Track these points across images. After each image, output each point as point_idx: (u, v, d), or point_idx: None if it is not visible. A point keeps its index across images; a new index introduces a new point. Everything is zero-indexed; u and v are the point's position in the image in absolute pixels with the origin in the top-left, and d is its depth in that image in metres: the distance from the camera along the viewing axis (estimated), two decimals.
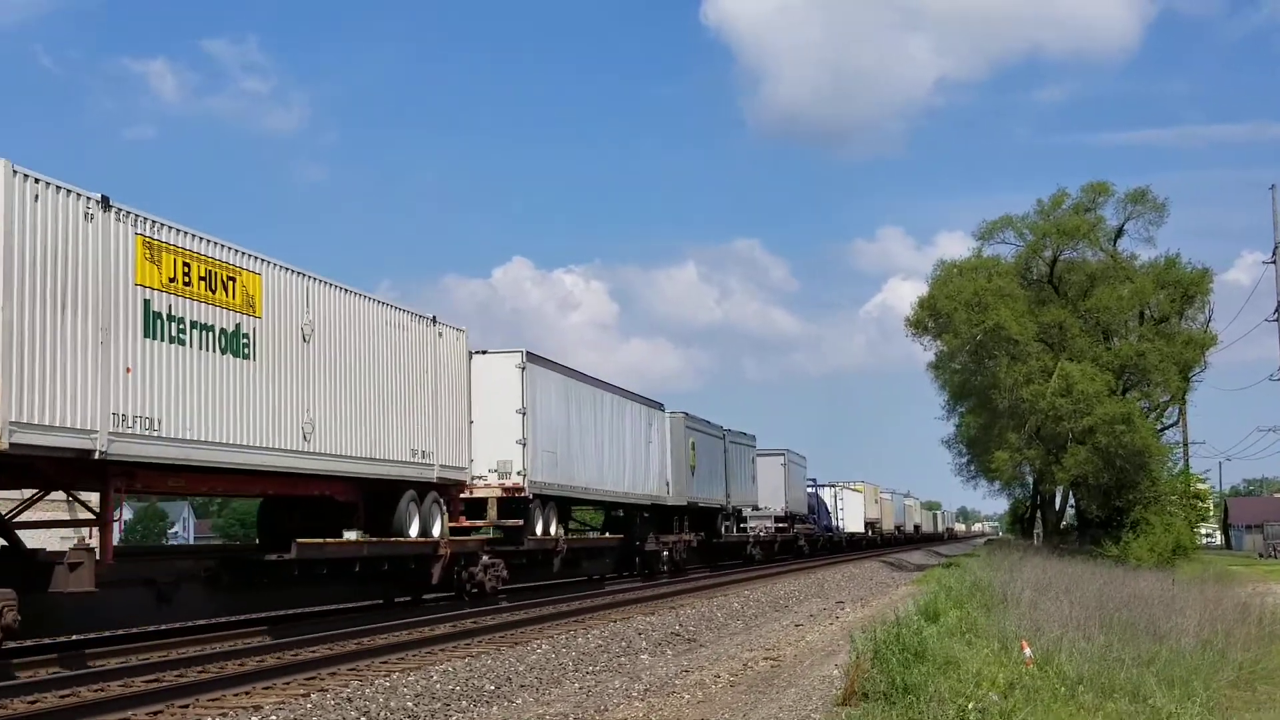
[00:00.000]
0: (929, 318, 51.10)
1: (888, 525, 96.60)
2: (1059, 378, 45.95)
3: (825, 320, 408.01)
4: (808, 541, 63.14)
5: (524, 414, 27.12)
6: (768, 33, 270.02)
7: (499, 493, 26.81)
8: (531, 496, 27.26)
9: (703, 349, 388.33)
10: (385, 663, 16.06)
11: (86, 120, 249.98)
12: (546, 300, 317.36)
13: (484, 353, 27.06)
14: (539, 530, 28.03)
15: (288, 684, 13.79)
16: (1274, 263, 53.12)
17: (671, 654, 18.64)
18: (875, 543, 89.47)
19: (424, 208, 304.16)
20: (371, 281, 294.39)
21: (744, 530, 50.93)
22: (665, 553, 39.04)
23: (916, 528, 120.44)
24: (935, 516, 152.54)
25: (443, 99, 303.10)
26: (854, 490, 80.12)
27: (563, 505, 31.80)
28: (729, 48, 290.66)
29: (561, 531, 30.30)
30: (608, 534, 36.54)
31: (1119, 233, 51.85)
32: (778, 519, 56.14)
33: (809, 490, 65.57)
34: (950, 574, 36.60)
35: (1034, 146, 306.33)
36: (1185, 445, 63.47)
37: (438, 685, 14.09)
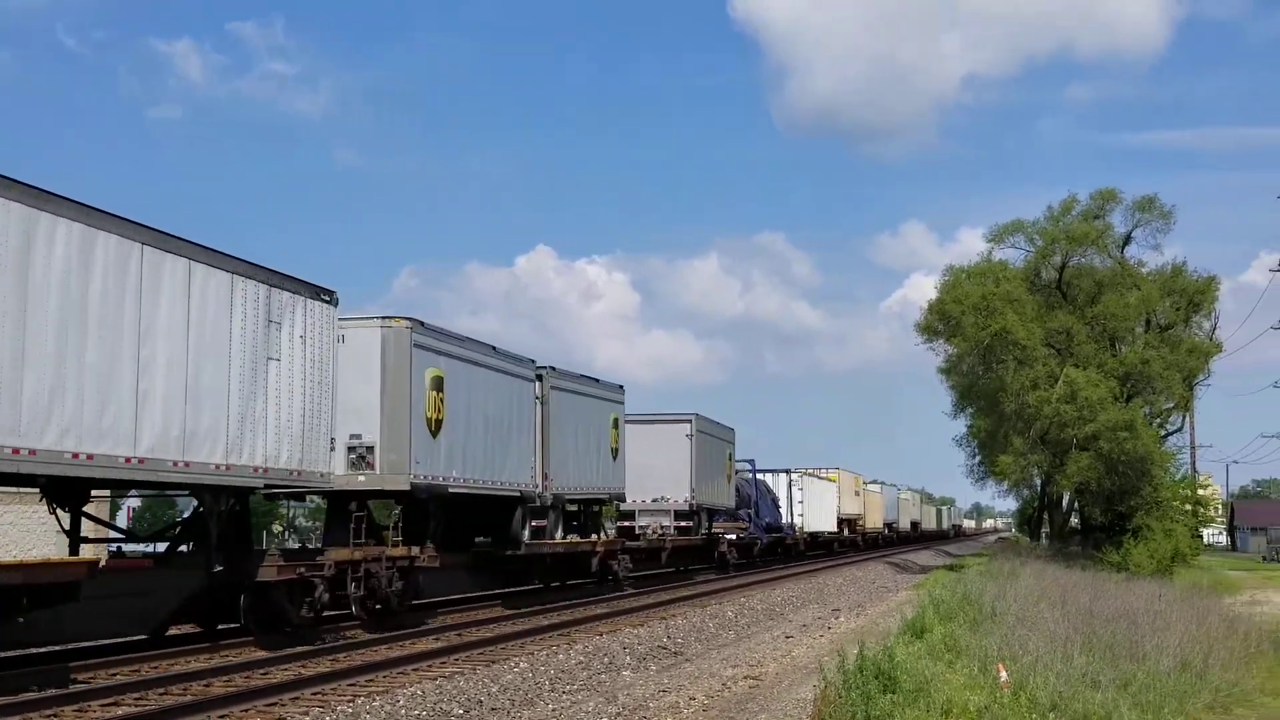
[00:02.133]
0: (938, 321, 51.01)
1: (874, 522, 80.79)
2: (1064, 384, 45.88)
3: (848, 314, 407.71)
4: (734, 548, 47.15)
5: None
6: (797, 26, 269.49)
7: None
8: None
9: (725, 341, 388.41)
10: (352, 685, 15.79)
11: (110, 100, 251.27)
12: (569, 291, 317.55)
13: None
14: None
15: (245, 711, 13.60)
16: None
17: (655, 670, 18.62)
18: (856, 545, 74.05)
19: (449, 194, 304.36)
20: (396, 267, 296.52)
21: (610, 531, 35.91)
22: (351, 585, 21.03)
23: (915, 525, 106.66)
24: (940, 513, 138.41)
25: (479, 88, 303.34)
26: (822, 479, 64.83)
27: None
28: (757, 40, 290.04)
29: None
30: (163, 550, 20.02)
31: (1127, 239, 51.87)
32: (679, 515, 40.63)
33: (746, 476, 51.46)
34: (947, 580, 36.65)
35: (1060, 144, 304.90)
36: (1192, 449, 63.49)
37: (404, 710, 13.99)
